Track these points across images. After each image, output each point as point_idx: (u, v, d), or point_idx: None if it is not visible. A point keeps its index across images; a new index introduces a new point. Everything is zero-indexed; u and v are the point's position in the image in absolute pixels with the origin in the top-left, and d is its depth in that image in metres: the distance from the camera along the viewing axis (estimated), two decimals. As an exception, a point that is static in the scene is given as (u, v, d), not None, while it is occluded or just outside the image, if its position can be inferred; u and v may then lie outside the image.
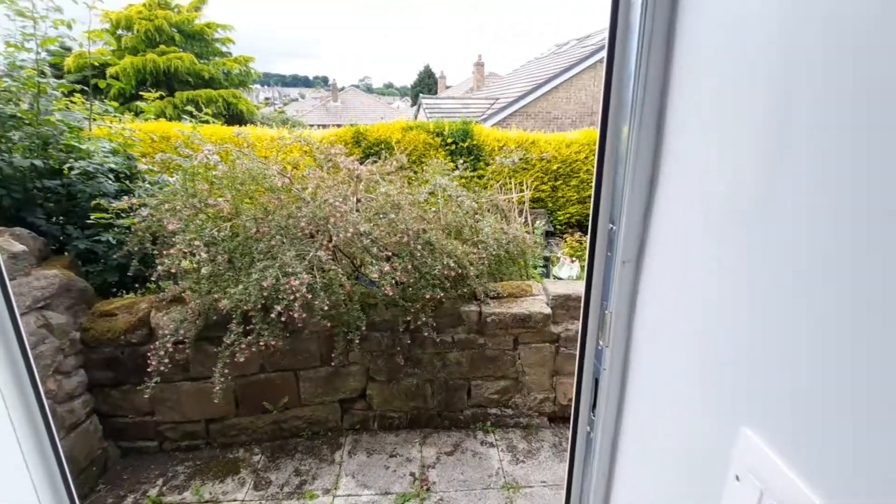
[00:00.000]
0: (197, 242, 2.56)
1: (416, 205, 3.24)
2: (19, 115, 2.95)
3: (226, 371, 2.66)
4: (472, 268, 3.11)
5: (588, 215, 8.84)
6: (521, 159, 3.69)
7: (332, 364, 3.08)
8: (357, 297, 2.94)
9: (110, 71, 14.54)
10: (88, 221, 3.05)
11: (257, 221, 2.78)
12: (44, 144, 3.07)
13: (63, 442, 2.59)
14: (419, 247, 2.90)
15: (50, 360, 2.54)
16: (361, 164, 3.26)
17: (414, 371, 3.28)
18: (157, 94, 4.45)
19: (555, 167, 8.71)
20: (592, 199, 0.83)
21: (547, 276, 6.93)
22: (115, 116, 3.88)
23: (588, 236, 0.87)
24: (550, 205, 8.93)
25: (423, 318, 2.95)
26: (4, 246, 2.40)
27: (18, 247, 2.48)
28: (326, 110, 31.43)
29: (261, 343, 2.57)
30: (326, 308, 2.57)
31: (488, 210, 4.18)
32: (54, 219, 3.16)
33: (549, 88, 14.14)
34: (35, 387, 1.00)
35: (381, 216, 2.95)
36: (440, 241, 3.02)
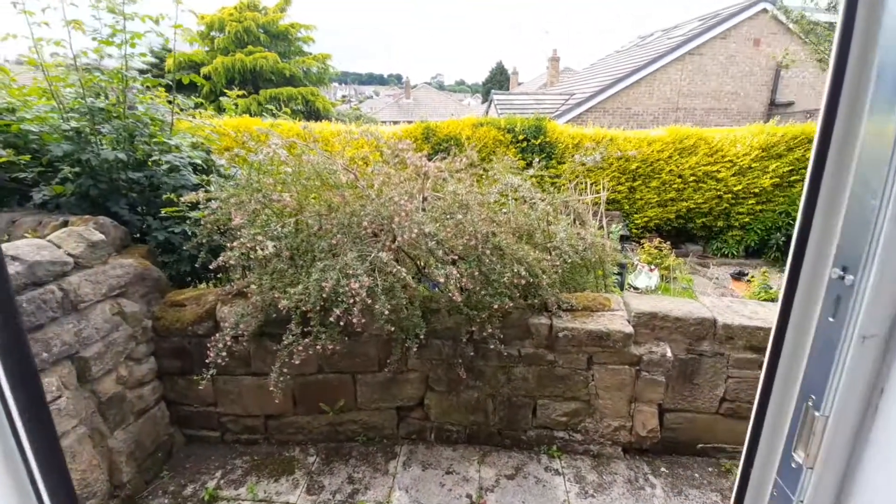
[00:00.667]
0: (260, 238, 2.51)
1: (485, 205, 3.01)
2: (107, 108, 3.08)
3: (284, 370, 2.60)
4: (544, 276, 2.82)
5: (670, 219, 8.16)
6: (602, 157, 3.33)
7: (389, 370, 2.94)
8: (418, 302, 2.77)
9: (204, 70, 15.68)
10: (166, 213, 3.13)
11: (320, 218, 2.68)
12: (130, 137, 3.19)
13: (132, 427, 2.66)
14: (488, 251, 2.66)
15: (122, 347, 2.61)
16: (430, 160, 3.08)
17: (475, 384, 3.06)
18: (239, 93, 4.57)
19: (633, 166, 8.09)
20: (798, 228, 0.55)
21: (621, 284, 6.42)
22: (195, 111, 4.01)
23: (783, 283, 0.57)
24: (627, 207, 8.32)
25: (489, 329, 2.71)
26: (84, 235, 2.49)
27: (98, 236, 2.56)
28: (399, 107, 32.01)
29: (318, 346, 2.47)
30: (387, 313, 2.41)
31: (562, 212, 3.85)
32: (138, 209, 3.29)
33: (629, 83, 13.27)
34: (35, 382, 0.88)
35: (448, 216, 2.75)
36: (510, 246, 2.77)
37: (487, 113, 16.94)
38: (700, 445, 3.15)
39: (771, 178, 7.82)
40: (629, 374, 2.96)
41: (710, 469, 3.07)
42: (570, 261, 3.03)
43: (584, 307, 3.04)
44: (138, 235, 3.23)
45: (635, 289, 6.40)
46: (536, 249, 3.01)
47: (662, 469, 3.06)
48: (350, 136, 3.10)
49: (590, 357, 2.96)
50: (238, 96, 4.46)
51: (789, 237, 7.83)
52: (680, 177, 8.04)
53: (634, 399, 3.03)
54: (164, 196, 3.06)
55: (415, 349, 2.68)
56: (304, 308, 2.44)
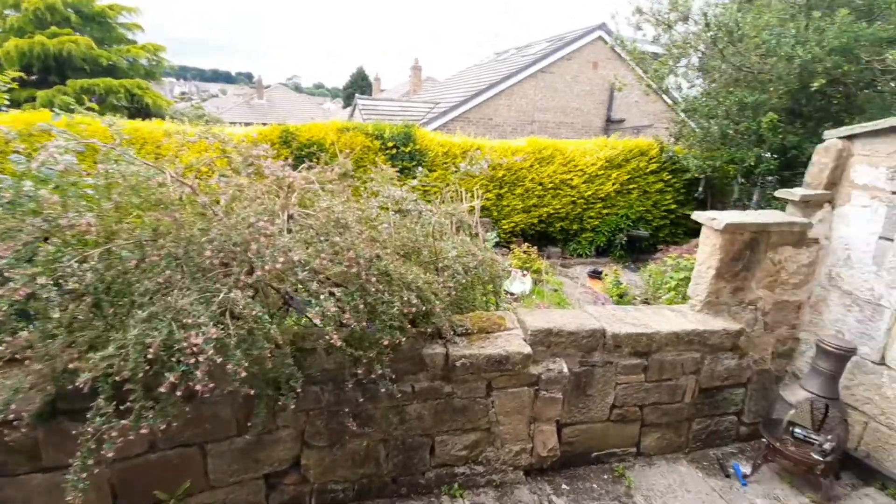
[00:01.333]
0: (42, 280, 1.73)
1: (366, 222, 2.58)
2: None
3: (89, 462, 1.84)
4: (437, 301, 2.50)
5: (533, 224, 8.61)
6: (489, 166, 3.15)
7: (252, 434, 2.33)
8: (289, 346, 2.23)
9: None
10: None
11: (142, 248, 1.98)
12: None
13: None
14: (373, 278, 2.24)
15: None
16: (294, 169, 2.54)
17: (363, 431, 2.60)
18: (13, 75, 3.37)
19: (500, 174, 8.35)
20: None
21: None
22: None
23: None
24: (495, 213, 8.55)
25: (380, 370, 2.29)
26: None
27: None
28: (250, 108, 29.33)
29: (141, 429, 1.78)
30: (244, 373, 1.84)
31: (447, 224, 3.60)
32: None
33: (491, 94, 13.89)
34: None
35: (323, 239, 2.26)
36: (398, 270, 2.38)
37: (352, 118, 16.32)
38: (594, 454, 3.13)
39: (613, 184, 8.71)
40: (528, 396, 2.80)
41: (605, 477, 3.06)
42: (463, 281, 2.76)
43: (480, 329, 2.80)
44: None
45: (511, 294, 6.51)
46: (426, 270, 2.67)
47: (563, 486, 2.96)
48: (184, 139, 2.40)
49: (489, 383, 2.72)
50: (13, 79, 3.28)
51: (629, 237, 8.87)
52: (540, 184, 8.51)
53: (534, 420, 2.88)
54: None
55: (292, 406, 2.14)
56: (118, 377, 1.74)
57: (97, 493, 2.17)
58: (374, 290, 2.23)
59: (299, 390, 2.18)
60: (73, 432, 1.90)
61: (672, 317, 3.14)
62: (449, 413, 2.71)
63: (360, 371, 2.30)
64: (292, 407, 2.16)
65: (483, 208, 8.27)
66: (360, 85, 40.89)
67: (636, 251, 8.88)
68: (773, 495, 2.95)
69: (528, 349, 2.68)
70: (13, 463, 2.07)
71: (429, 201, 4.29)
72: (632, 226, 8.90)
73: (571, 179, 8.58)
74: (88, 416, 1.81)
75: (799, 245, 3.20)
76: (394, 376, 2.42)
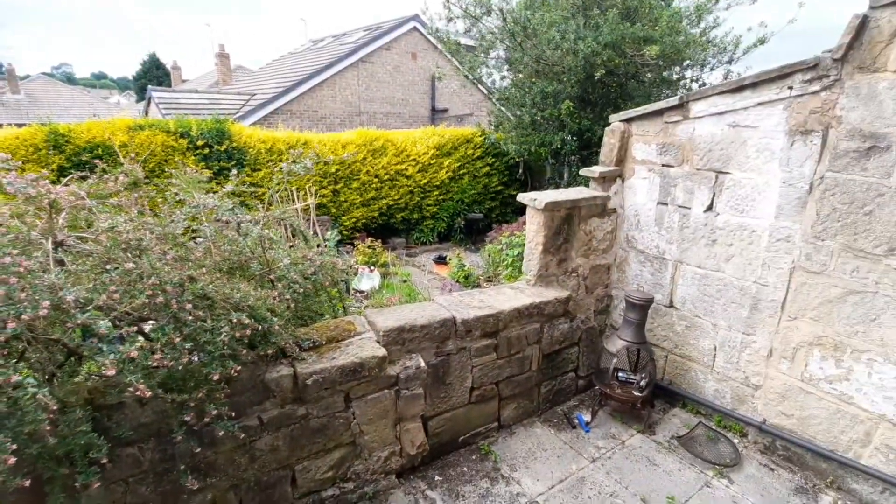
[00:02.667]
0: None
1: (170, 240, 2.14)
2: None
3: None
4: (274, 319, 2.22)
5: (374, 217, 8.55)
6: (314, 163, 2.91)
7: (46, 532, 1.78)
8: (82, 406, 1.74)
9: None
10: None
11: None
12: None
13: None
14: (188, 305, 1.87)
15: None
16: (57, 182, 1.97)
17: (206, 482, 2.21)
18: None
19: (333, 170, 8.02)
20: None
21: (346, 290, 6.21)
22: None
23: None
24: (334, 210, 8.22)
25: (215, 410, 1.94)
26: None
27: None
28: (2, 105, 22.97)
29: None
30: (13, 459, 1.36)
31: (276, 228, 3.25)
32: None
33: (312, 85, 13.19)
34: None
35: (112, 267, 1.80)
36: (222, 290, 2.04)
37: (147, 114, 13.93)
38: (461, 438, 3.22)
39: (446, 172, 9.10)
40: (390, 398, 2.71)
41: (473, 458, 3.17)
42: (301, 290, 2.51)
43: (329, 339, 2.60)
44: None
45: (361, 292, 6.34)
46: (258, 285, 2.36)
47: (437, 478, 2.98)
48: None
49: (346, 394, 2.55)
50: None
51: (467, 220, 9.44)
52: (376, 176, 8.43)
53: (399, 420, 2.81)
54: None
55: (96, 484, 1.68)
56: None
57: None
58: (191, 318, 1.87)
59: (104, 461, 1.72)
60: None
61: (512, 294, 3.37)
62: (307, 437, 2.47)
63: (188, 418, 1.92)
64: (96, 485, 1.70)
65: (320, 206, 7.86)
66: (154, 75, 35.01)
67: (474, 233, 9.47)
68: (610, 434, 3.43)
69: (382, 351, 2.58)
70: None
71: (250, 207, 3.86)
72: (467, 209, 9.45)
73: (406, 169, 8.69)
74: None
75: (602, 216, 3.72)
76: (233, 414, 2.09)
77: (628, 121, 3.68)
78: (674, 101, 3.35)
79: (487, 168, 9.52)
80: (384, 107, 14.64)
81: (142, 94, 30.29)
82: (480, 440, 3.30)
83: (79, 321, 1.59)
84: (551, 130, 7.17)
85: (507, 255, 5.72)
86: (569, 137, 6.98)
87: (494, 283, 5.61)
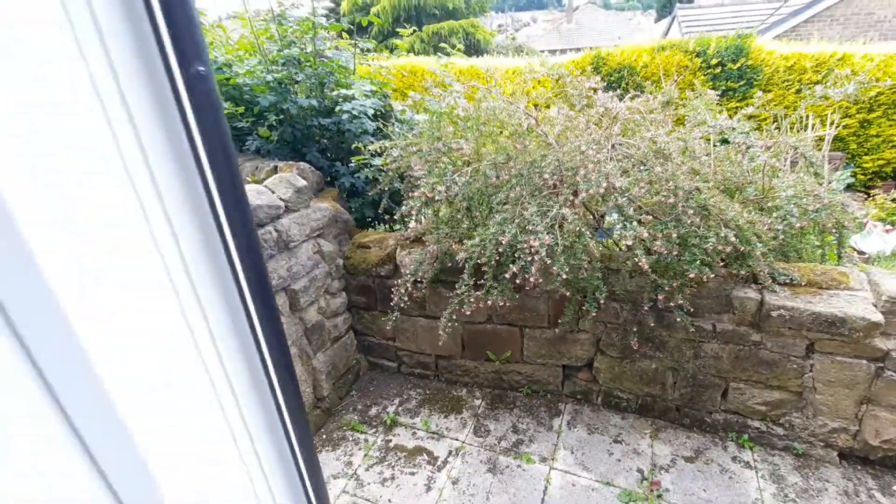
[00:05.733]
0: (440, 188, 2.50)
1: (687, 154, 2.54)
2: (300, 56, 3.29)
3: (454, 317, 2.66)
4: (758, 244, 2.32)
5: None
6: (857, 88, 2.49)
7: (560, 329, 2.82)
8: (598, 261, 2.53)
9: (373, 10, 16.27)
10: (351, 159, 3.33)
11: (497, 168, 2.56)
12: (320, 85, 3.41)
13: (329, 351, 3.04)
14: (690, 211, 2.26)
15: (322, 282, 2.94)
16: (621, 100, 2.68)
17: (654, 354, 2.78)
18: (411, 30, 4.55)
19: (872, 93, 6.17)
20: None
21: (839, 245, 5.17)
22: (370, 54, 4.11)
23: None
24: (854, 146, 6.53)
25: (678, 300, 2.37)
26: (291, 181, 2.77)
27: (301, 182, 2.83)
28: (559, 34, 29.41)
29: (489, 301, 2.45)
30: (564, 276, 2.25)
31: (784, 157, 3.10)
32: (327, 154, 3.57)
33: (880, -24, 9.95)
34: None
35: (642, 168, 2.39)
36: (718, 206, 2.31)
37: (668, 33, 14.55)
38: (961, 470, 2.44)
39: None
40: (865, 371, 2.36)
41: (973, 502, 2.37)
42: (797, 225, 2.43)
43: (810, 282, 2.46)
44: (328, 180, 3.53)
45: (861, 253, 5.10)
46: (750, 209, 2.47)
47: (896, 488, 2.46)
48: (531, 75, 2.83)
49: (811, 344, 2.42)
50: (407, 34, 4.45)
51: None
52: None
53: (867, 401, 2.43)
54: (353, 145, 3.24)
55: (593, 313, 2.50)
56: (478, 261, 2.42)
57: (453, 340, 3.11)
58: (689, 222, 2.26)
59: (602, 302, 2.49)
60: (447, 295, 2.78)
61: None
62: (751, 362, 2.57)
63: (658, 297, 2.43)
64: (593, 315, 2.51)
65: (836, 138, 6.43)
66: (679, -10, 35.06)
67: None
68: None
69: (877, 316, 2.22)
70: (410, 308, 3.16)
71: (758, 128, 3.73)
72: None
73: None
74: (456, 285, 2.60)
75: None
76: (692, 310, 2.46)
77: None
78: None
79: None
80: None
81: (662, 12, 31.35)
82: None
83: (617, 202, 2.27)
84: None
85: None
86: None
87: None
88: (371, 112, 3.32)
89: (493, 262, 2.39)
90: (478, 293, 2.53)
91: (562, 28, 29.43)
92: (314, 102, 3.24)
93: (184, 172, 0.53)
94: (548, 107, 2.87)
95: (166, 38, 0.48)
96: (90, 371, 0.47)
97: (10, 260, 0.41)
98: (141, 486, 0.55)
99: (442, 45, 4.99)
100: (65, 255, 0.44)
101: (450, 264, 2.74)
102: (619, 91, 2.90)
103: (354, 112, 3.23)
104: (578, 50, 8.74)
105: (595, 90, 2.62)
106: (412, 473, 2.66)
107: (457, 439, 2.85)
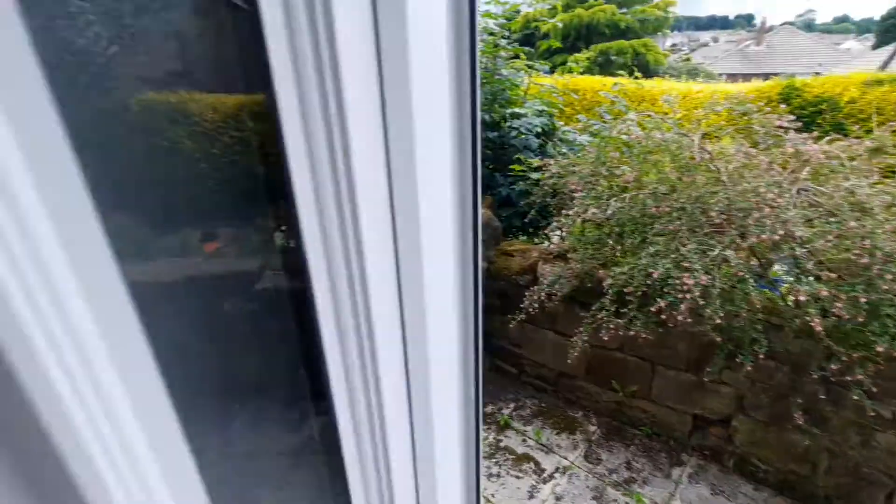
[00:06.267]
0: (593, 209, 2.55)
1: (893, 212, 2.21)
2: (483, 75, 3.59)
3: (585, 337, 2.68)
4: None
5: None
6: None
7: (700, 376, 2.66)
8: (759, 312, 2.34)
9: (543, 28, 16.53)
10: (509, 170, 3.54)
11: (657, 198, 2.52)
12: (492, 100, 3.68)
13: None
14: (888, 276, 1.98)
15: (464, 280, 3.19)
16: (816, 141, 2.43)
17: (810, 429, 2.46)
18: (586, 56, 4.62)
19: None
20: None
21: None
22: (545, 75, 4.27)
23: None
24: None
25: (858, 375, 2.08)
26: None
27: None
28: (743, 56, 26.43)
29: (630, 332, 2.42)
30: (718, 320, 2.14)
31: None
32: (488, 164, 3.83)
33: None
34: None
35: (831, 220, 2.15)
36: (930, 276, 1.98)
37: (888, 65, 12.23)
38: None
39: None
40: None
41: None
42: None
43: None
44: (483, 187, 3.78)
45: None
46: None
47: None
48: (712, 108, 2.71)
49: None
50: (583, 59, 4.51)
51: None
52: None
53: None
54: (515, 157, 3.44)
55: (748, 367, 2.32)
56: (623, 289, 2.41)
57: (578, 360, 3.12)
58: (885, 288, 1.98)
59: (759, 356, 2.30)
60: (580, 314, 2.81)
61: None
62: (946, 469, 2.14)
63: (832, 367, 2.16)
64: (748, 368, 2.32)
65: None
66: (916, 12, 28.84)
67: None
68: None
69: None
70: (541, 319, 3.24)
71: None
72: None
73: None
74: (594, 308, 2.61)
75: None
76: (873, 390, 2.13)
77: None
78: None
79: None
80: None
81: (885, 37, 26.34)
82: None
83: (795, 253, 2.09)
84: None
85: None
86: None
87: None
88: (538, 130, 3.49)
89: (639, 293, 2.37)
90: (619, 321, 2.52)
91: (748, 50, 26.41)
92: (486, 117, 3.52)
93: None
94: (718, 137, 2.72)
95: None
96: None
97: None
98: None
99: (611, 62, 4.93)
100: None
101: (589, 285, 2.77)
102: (814, 131, 2.60)
103: (522, 130, 3.42)
104: (767, 76, 7.85)
105: (786, 130, 2.43)
106: (517, 477, 2.75)
107: (566, 458, 2.86)
